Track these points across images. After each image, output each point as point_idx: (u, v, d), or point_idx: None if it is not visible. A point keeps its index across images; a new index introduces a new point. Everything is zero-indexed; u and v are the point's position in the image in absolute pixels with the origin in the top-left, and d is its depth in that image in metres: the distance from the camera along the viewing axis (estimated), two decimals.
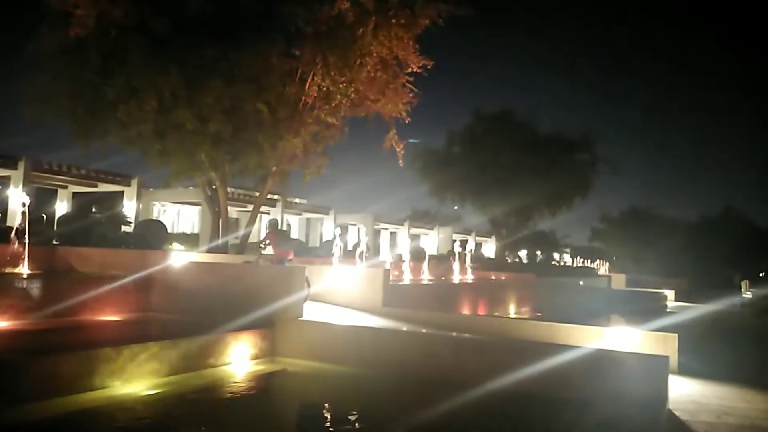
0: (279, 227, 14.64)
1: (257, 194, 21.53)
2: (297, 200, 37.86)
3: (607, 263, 68.81)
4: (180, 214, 39.66)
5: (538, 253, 66.58)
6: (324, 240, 37.05)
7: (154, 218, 30.27)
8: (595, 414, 6.87)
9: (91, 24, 14.51)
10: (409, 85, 18.20)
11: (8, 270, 11.34)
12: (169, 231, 26.32)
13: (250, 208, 26.05)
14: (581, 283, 31.71)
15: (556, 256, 73.96)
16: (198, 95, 15.25)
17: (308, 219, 43.47)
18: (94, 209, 31.99)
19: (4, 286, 9.78)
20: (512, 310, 19.94)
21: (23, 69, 16.85)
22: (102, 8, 14.59)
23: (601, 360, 7.92)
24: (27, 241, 11.97)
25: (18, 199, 25.19)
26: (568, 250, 78.35)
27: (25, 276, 10.85)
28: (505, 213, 39.61)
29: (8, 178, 26.31)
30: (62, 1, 14.40)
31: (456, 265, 22.19)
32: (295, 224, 42.59)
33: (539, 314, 18.62)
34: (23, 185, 25.22)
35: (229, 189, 21.02)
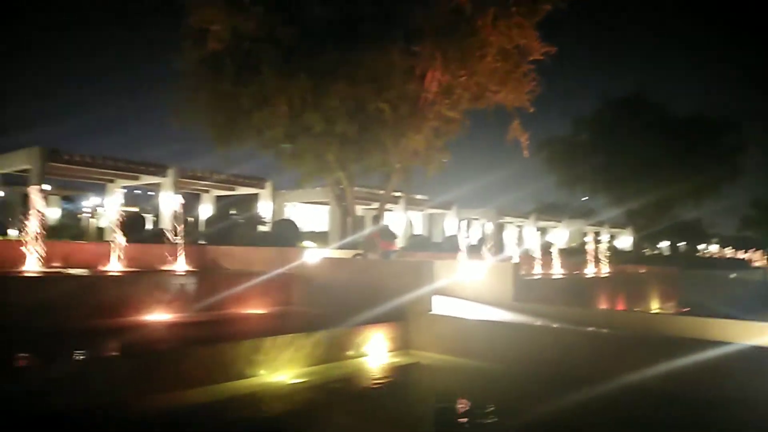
0: (382, 223, 15.29)
1: (381, 192, 22.02)
2: (419, 196, 38.13)
3: (762, 254, 62.08)
4: (310, 214, 41.59)
5: (682, 244, 61.58)
6: (447, 235, 37.01)
7: (286, 218, 31.96)
8: (757, 415, 6.26)
9: (226, 38, 15.69)
10: (532, 74, 17.70)
11: (166, 268, 12.55)
12: (300, 230, 27.68)
13: (375, 205, 26.67)
14: (733, 275, 28.92)
15: (702, 247, 67.89)
16: (324, 98, 15.91)
17: (431, 215, 43.64)
18: (233, 211, 34.50)
19: (164, 282, 10.83)
20: (654, 306, 18.66)
21: (168, 85, 18.50)
22: (235, 22, 15.70)
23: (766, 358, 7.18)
24: (180, 241, 13.20)
25: (168, 203, 27.84)
26: (715, 240, 71.63)
27: (181, 273, 11.94)
28: (642, 203, 37.06)
29: (159, 185, 29.10)
30: (200, 19, 15.68)
31: (589, 259, 21.18)
32: (417, 220, 42.97)
33: (686, 309, 17.25)
34: (173, 191, 27.78)
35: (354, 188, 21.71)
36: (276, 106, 15.67)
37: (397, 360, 9.32)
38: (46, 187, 12.58)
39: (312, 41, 16.26)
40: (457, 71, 16.63)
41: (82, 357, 7.18)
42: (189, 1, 15.73)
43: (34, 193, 11.92)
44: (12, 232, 32.54)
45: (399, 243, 16.58)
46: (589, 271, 20.73)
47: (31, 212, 11.45)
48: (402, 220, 36.65)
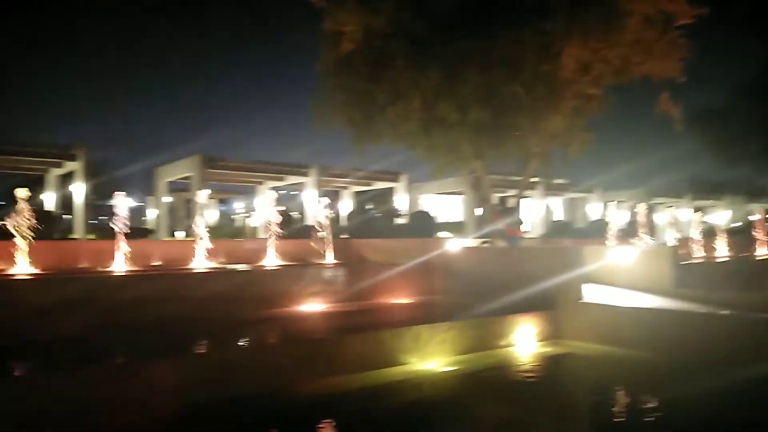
0: (506, 207, 14.82)
1: (518, 179, 21.46)
2: (559, 181, 36.65)
3: None
4: (445, 204, 41.71)
5: None
6: (590, 220, 35.19)
7: (422, 209, 32.35)
8: None
9: (358, 38, 16.14)
10: (681, 40, 16.18)
11: (316, 261, 13.27)
12: (436, 220, 27.84)
13: (511, 192, 26.04)
14: None
15: None
16: (457, 87, 15.80)
17: (571, 200, 41.77)
18: (370, 205, 35.58)
19: (316, 274, 11.47)
20: None
21: (307, 89, 19.53)
22: (366, 21, 16.10)
23: None
24: (327, 236, 13.88)
25: (312, 201, 29.39)
26: None
27: (330, 266, 12.55)
28: None
29: (302, 184, 30.82)
30: (334, 23, 16.29)
31: (759, 239, 19.00)
32: (558, 206, 41.33)
33: None
34: (315, 189, 29.28)
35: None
36: (409, 99, 15.87)
37: (548, 350, 9.06)
38: (207, 191, 13.81)
39: (442, 31, 16.21)
40: (595, 45, 15.67)
41: (249, 344, 7.86)
42: (325, 7, 16.40)
43: (201, 196, 13.15)
44: (178, 234, 36.38)
45: (526, 228, 16.14)
46: (761, 252, 18.61)
47: (197, 215, 12.64)
48: (540, 207, 35.42)
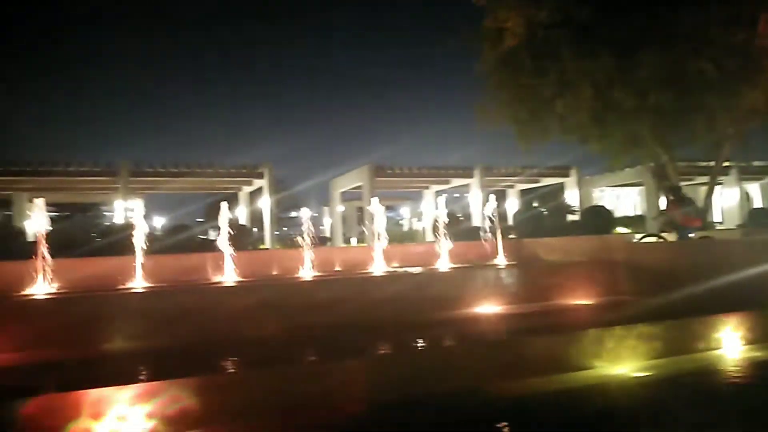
0: (681, 196, 12.98)
1: (704, 164, 19.32)
2: (759, 163, 32.26)
3: None
4: (620, 197, 38.96)
5: None
6: None
7: (596, 204, 30.49)
8: None
9: (521, 32, 15.75)
10: None
11: (487, 262, 13.15)
12: (612, 215, 26.09)
13: (699, 180, 23.56)
14: None
15: None
16: (632, 70, 14.70)
17: None
18: (536, 203, 34.44)
19: (489, 276, 11.36)
20: None
21: (467, 90, 19.48)
22: (528, 15, 15.65)
23: None
24: (498, 236, 13.71)
25: (478, 201, 29.22)
26: None
27: (502, 267, 12.36)
28: None
29: (467, 185, 30.79)
30: (495, 20, 16.08)
31: None
32: (755, 192, 36.42)
33: None
34: (480, 189, 29.09)
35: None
36: (579, 89, 15.11)
37: (757, 354, 7.98)
38: (376, 198, 14.41)
39: (611, 13, 15.19)
40: None
41: (431, 345, 8.00)
42: (485, 5, 16.28)
43: (375, 204, 13.77)
44: (352, 240, 38.41)
45: (706, 218, 14.30)
46: None
47: (370, 221, 13.24)
48: (735, 194, 31.57)
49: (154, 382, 5.87)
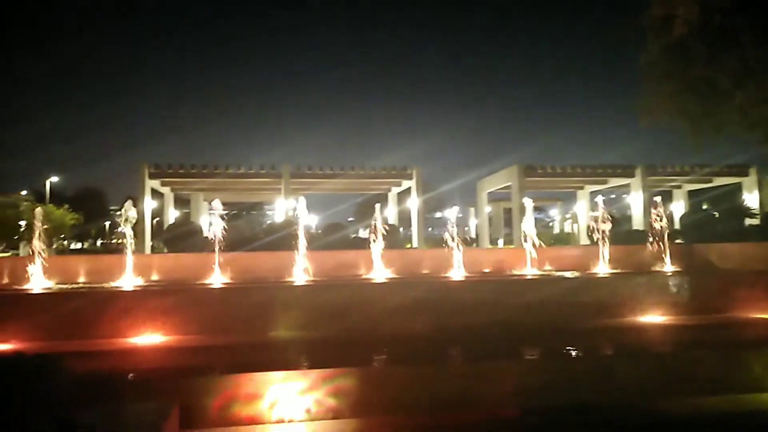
0: None
1: None
2: None
3: None
4: None
5: None
6: None
7: None
8: None
9: (693, 19, 14.36)
10: None
11: (652, 268, 12.19)
12: None
13: None
14: None
15: None
16: None
17: None
18: (707, 205, 31.19)
19: (653, 283, 10.51)
20: None
21: (625, 85, 18.20)
22: (702, 0, 14.23)
23: None
24: (664, 240, 12.64)
25: (638, 203, 27.19)
26: None
27: (669, 273, 11.38)
28: None
29: (627, 185, 28.77)
30: (663, 7, 14.82)
31: None
32: None
33: None
34: (642, 190, 27.04)
35: None
36: (763, 78, 13.41)
37: None
38: (529, 200, 13.98)
39: None
40: None
41: (587, 353, 7.61)
42: None
43: (527, 203, 13.42)
44: (498, 242, 37.74)
45: None
46: None
47: (522, 222, 12.89)
48: None
49: (313, 370, 6.26)
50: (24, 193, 48.61)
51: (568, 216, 45.78)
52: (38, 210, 12.84)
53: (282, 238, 16.28)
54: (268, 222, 28.67)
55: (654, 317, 9.71)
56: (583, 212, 32.34)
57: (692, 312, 9.79)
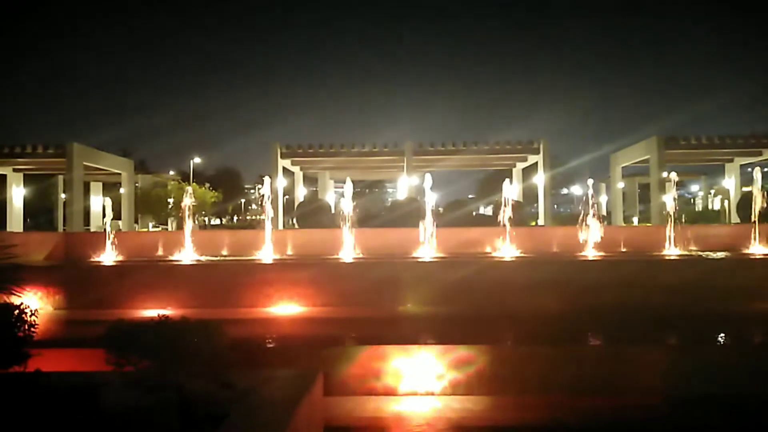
0: None
1: None
2: None
3: None
4: None
5: None
6: None
7: None
8: None
9: None
10: None
11: None
12: None
13: None
14: None
15: None
16: None
17: None
18: None
19: None
20: None
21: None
22: None
23: None
24: None
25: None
26: None
27: None
28: None
29: None
30: None
31: None
32: None
33: None
34: None
35: None
36: None
37: None
38: (674, 173, 12.92)
39: None
40: None
41: (737, 341, 6.95)
42: None
43: (673, 177, 12.46)
44: (634, 220, 35.50)
45: None
46: None
47: (666, 198, 11.98)
48: None
49: (444, 345, 6.28)
50: (171, 173, 53.27)
51: (712, 192, 41.91)
52: (189, 188, 14.02)
53: (405, 215, 16.50)
54: (391, 200, 29.12)
55: None
56: (733, 187, 29.40)
57: None
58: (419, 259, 10.76)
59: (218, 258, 11.61)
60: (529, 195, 31.74)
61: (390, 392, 5.93)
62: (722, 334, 7.08)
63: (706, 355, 6.49)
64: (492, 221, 15.73)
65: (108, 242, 11.80)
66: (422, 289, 9.17)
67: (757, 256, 10.64)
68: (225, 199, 50.02)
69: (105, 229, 12.22)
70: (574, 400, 5.97)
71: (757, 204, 12.04)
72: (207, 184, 43.96)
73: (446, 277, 9.28)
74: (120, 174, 28.98)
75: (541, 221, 27.23)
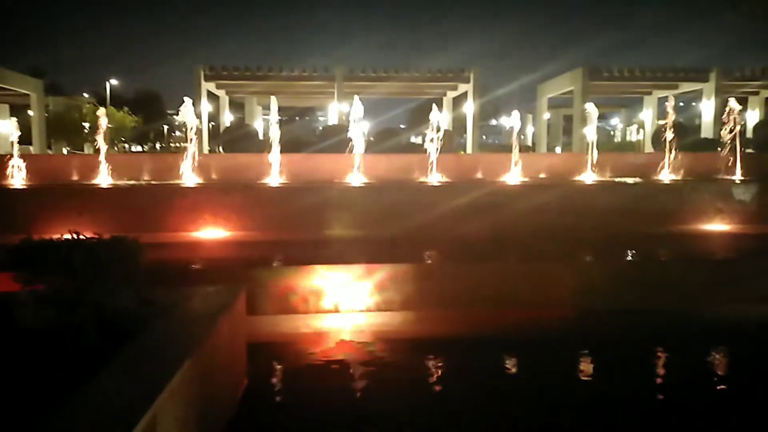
0: None
1: None
2: None
3: None
4: None
5: None
6: None
7: None
8: None
9: None
10: None
11: (720, 176, 11.67)
12: None
13: None
14: None
15: None
16: None
17: None
18: None
19: (720, 191, 10.10)
20: None
21: None
22: None
23: None
24: (736, 149, 12.00)
25: (710, 110, 25.67)
26: None
27: (737, 182, 10.86)
28: None
29: (699, 91, 27.02)
30: None
31: None
32: None
33: None
34: (714, 96, 25.41)
35: None
36: None
37: None
38: (590, 104, 13.34)
39: None
40: None
41: (644, 258, 7.49)
42: None
43: (590, 108, 12.86)
44: (557, 150, 36.73)
45: None
46: None
47: (584, 127, 12.39)
48: None
49: (367, 264, 6.41)
50: (86, 96, 49.88)
51: (632, 124, 43.79)
52: (102, 110, 13.18)
53: (336, 143, 16.31)
54: (322, 127, 28.67)
55: (719, 225, 9.41)
56: (650, 119, 30.80)
57: (761, 221, 9.43)
58: (348, 185, 10.76)
59: (140, 182, 11.15)
60: (460, 126, 32.04)
61: (313, 310, 6.05)
62: (633, 252, 7.62)
63: (617, 271, 6.98)
64: (422, 150, 15.82)
65: (14, 165, 11.04)
66: (350, 213, 9.23)
67: (666, 182, 11.33)
68: (146, 124, 47.64)
69: (12, 154, 11.40)
70: (494, 314, 6.31)
71: (670, 135, 12.68)
72: (125, 108, 41.57)
73: (372, 202, 9.37)
74: (29, 95, 26.80)
75: (469, 150, 27.69)
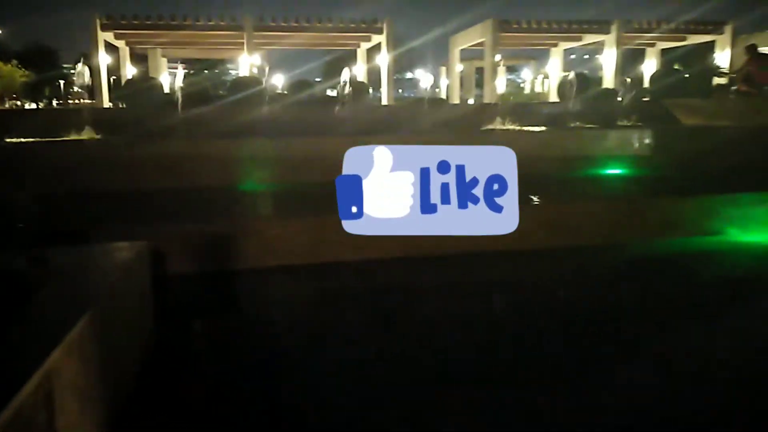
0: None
1: None
2: None
3: None
4: None
5: None
6: None
7: None
8: None
9: None
10: None
11: (619, 124, 12.39)
12: None
13: None
14: None
15: None
16: None
17: None
18: (678, 65, 31.06)
19: (619, 137, 10.72)
20: None
21: None
22: None
23: None
24: (632, 98, 12.70)
25: (611, 61, 26.91)
26: None
27: (632, 127, 11.57)
28: None
29: (602, 43, 28.20)
30: None
31: None
32: None
33: None
34: (616, 48, 26.61)
35: None
36: None
37: None
38: (498, 56, 13.65)
39: None
40: None
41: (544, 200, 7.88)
42: None
43: (497, 59, 13.10)
44: (470, 102, 37.40)
45: None
46: None
47: (492, 79, 12.68)
48: None
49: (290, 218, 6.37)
50: None
51: (540, 74, 45.18)
52: None
53: (248, 96, 15.79)
54: (232, 80, 27.61)
55: (618, 170, 10.02)
56: (556, 71, 31.90)
57: (652, 164, 10.13)
58: (258, 138, 10.52)
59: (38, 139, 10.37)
60: (376, 80, 31.86)
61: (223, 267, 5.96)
62: (535, 197, 7.97)
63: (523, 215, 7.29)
64: (337, 102, 15.66)
65: None
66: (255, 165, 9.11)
67: (566, 129, 11.91)
68: (39, 79, 43.92)
69: None
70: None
71: (573, 85, 13.25)
72: (14, 61, 38.09)
73: (277, 154, 9.28)
74: None
75: (384, 103, 27.66)
